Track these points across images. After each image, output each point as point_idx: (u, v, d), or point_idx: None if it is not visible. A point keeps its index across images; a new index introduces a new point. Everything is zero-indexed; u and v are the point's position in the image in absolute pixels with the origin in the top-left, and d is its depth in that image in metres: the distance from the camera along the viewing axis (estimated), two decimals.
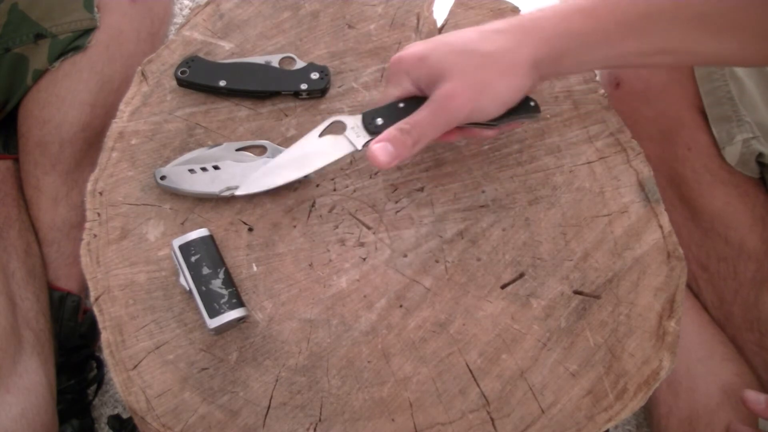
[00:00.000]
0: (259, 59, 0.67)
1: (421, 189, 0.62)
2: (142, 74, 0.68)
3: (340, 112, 0.66)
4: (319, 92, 0.66)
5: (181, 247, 0.56)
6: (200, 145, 0.64)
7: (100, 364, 0.95)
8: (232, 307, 0.54)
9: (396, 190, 0.62)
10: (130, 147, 0.64)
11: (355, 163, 0.63)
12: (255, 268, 0.58)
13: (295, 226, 0.60)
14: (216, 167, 0.60)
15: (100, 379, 0.94)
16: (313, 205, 0.61)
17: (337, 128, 0.57)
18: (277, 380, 0.54)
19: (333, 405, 0.53)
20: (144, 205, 0.61)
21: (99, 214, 0.61)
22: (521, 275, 0.58)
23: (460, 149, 0.64)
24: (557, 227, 0.60)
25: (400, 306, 0.57)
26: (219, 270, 0.56)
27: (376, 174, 0.63)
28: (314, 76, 0.65)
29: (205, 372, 0.55)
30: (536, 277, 0.58)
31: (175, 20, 1.19)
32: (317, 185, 0.62)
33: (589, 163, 0.63)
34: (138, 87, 0.67)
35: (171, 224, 0.60)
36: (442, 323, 0.56)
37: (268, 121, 0.65)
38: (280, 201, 0.61)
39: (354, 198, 0.61)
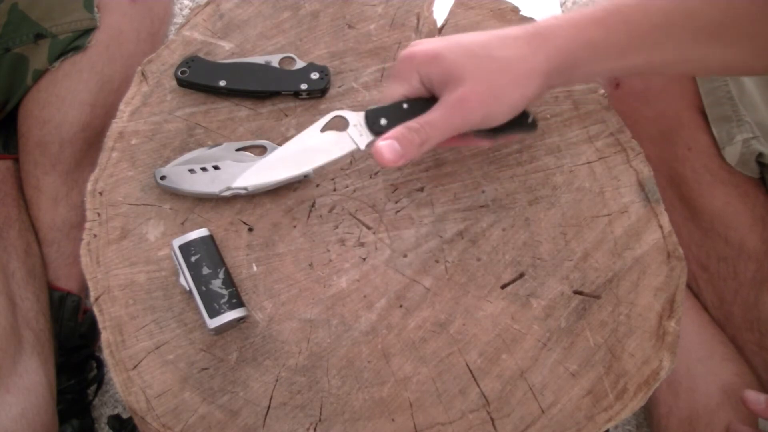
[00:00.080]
0: (259, 59, 0.67)
1: (421, 189, 0.62)
2: (142, 74, 0.68)
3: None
4: (319, 92, 0.66)
5: (181, 247, 0.56)
6: (200, 145, 0.64)
7: (100, 364, 0.95)
8: (232, 307, 0.54)
9: (396, 190, 0.62)
10: (130, 147, 0.64)
11: (355, 163, 0.63)
12: (255, 268, 0.58)
13: (295, 226, 0.60)
14: (216, 167, 0.60)
15: (100, 379, 0.94)
16: (313, 205, 0.61)
17: (339, 124, 0.57)
18: (277, 380, 0.54)
19: (333, 405, 0.53)
20: (144, 205, 0.61)
21: (99, 214, 0.61)
22: (521, 275, 0.58)
23: (460, 149, 0.64)
24: (557, 227, 0.60)
25: (400, 306, 0.57)
26: (219, 270, 0.56)
27: (376, 174, 0.63)
28: (314, 76, 0.65)
29: (205, 372, 0.55)
30: (536, 277, 0.58)
31: (175, 20, 1.19)
32: (317, 185, 0.62)
33: (589, 163, 0.63)
34: (138, 87, 0.67)
35: (171, 224, 0.60)
36: (442, 323, 0.56)
37: (268, 121, 0.65)
38: (280, 201, 0.61)
39: (354, 198, 0.61)
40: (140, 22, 0.95)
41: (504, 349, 0.55)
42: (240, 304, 0.55)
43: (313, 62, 0.67)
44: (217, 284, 0.55)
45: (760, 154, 0.74)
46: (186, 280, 0.55)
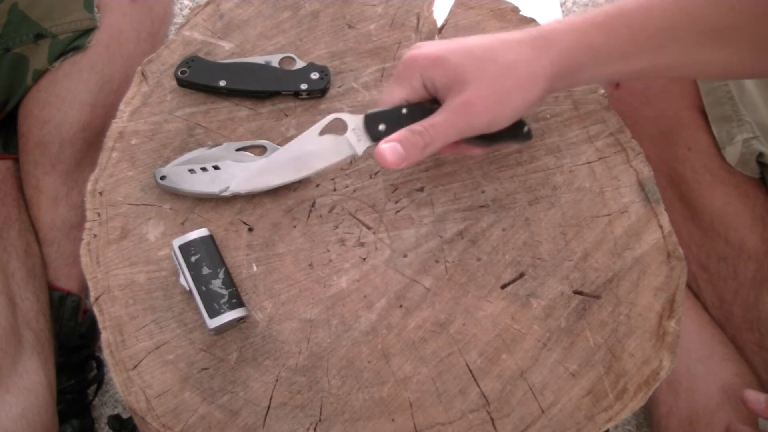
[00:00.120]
0: (259, 59, 0.67)
1: (421, 189, 0.62)
2: (142, 74, 0.68)
3: (340, 111, 0.65)
4: (319, 92, 0.66)
5: (181, 247, 0.56)
6: (200, 145, 0.64)
7: (100, 364, 0.95)
8: (232, 307, 0.54)
9: (396, 190, 0.62)
10: (130, 147, 0.64)
11: (355, 163, 0.63)
12: (255, 268, 0.58)
13: (295, 226, 0.60)
14: (216, 167, 0.60)
15: (100, 379, 0.94)
16: (313, 205, 0.61)
17: (338, 127, 0.57)
18: (277, 380, 0.54)
19: (333, 405, 0.53)
20: (144, 205, 0.61)
21: (99, 214, 0.61)
22: (521, 275, 0.58)
23: None
24: (557, 227, 0.60)
25: (400, 306, 0.57)
26: (219, 270, 0.56)
27: (376, 174, 0.63)
28: (314, 76, 0.65)
29: (205, 372, 0.55)
30: (536, 277, 0.58)
31: (175, 20, 1.19)
32: (317, 185, 0.62)
33: (589, 163, 0.63)
34: (138, 87, 0.67)
35: (171, 224, 0.60)
36: (442, 323, 0.56)
37: (268, 121, 0.65)
38: (280, 201, 0.61)
39: (354, 198, 0.61)
40: (140, 22, 0.95)
41: (504, 349, 0.55)
42: (240, 304, 0.55)
43: (313, 62, 0.67)
44: (217, 284, 0.55)
45: (761, 154, 0.74)
46: (186, 280, 0.55)
